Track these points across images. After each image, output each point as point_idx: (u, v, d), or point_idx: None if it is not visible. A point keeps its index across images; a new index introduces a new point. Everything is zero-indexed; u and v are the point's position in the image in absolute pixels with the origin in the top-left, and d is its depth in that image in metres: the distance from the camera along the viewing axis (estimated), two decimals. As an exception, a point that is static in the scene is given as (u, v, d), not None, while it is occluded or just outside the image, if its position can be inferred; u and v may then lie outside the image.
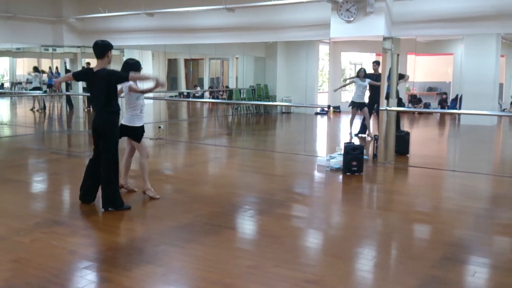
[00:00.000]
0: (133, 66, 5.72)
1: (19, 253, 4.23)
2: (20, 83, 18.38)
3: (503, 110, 16.37)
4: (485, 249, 4.61)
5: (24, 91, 17.25)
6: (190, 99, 19.23)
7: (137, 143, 5.94)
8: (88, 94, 13.16)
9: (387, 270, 4.13)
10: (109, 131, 5.41)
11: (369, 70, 11.85)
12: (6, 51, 16.20)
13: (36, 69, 16.60)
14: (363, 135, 11.66)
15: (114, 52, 5.57)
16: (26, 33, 11.79)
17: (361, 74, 11.43)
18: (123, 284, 3.67)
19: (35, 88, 16.40)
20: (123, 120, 5.90)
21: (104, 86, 5.29)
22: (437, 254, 4.33)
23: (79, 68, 13.07)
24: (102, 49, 5.33)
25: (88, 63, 13.39)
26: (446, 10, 8.01)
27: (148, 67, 17.24)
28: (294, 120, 17.18)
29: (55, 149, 10.54)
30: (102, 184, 5.43)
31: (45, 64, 15.75)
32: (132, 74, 5.42)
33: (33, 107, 17.32)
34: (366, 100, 11.62)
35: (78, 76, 5.87)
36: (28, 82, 17.95)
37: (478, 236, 4.95)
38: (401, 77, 11.19)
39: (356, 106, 11.58)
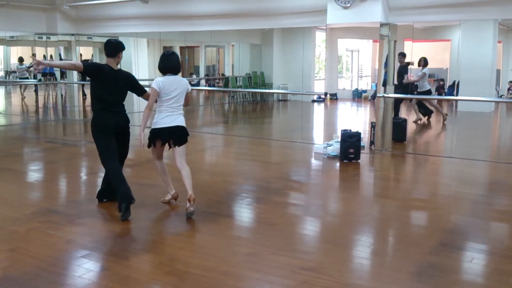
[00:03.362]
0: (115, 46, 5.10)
1: (16, 243, 4.22)
2: (15, 71, 18.28)
3: (500, 96, 16.36)
4: (482, 235, 4.61)
5: (18, 80, 17.17)
6: (186, 87, 19.09)
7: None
8: (83, 82, 13.16)
9: (384, 257, 4.13)
10: (128, 130, 5.34)
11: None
12: (0, 39, 16.06)
13: (20, 59, 16.68)
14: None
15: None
16: (20, 21, 11.66)
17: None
18: (120, 273, 3.66)
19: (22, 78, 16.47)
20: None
21: (128, 85, 5.21)
22: (434, 240, 4.33)
23: (73, 57, 12.98)
24: (114, 48, 5.08)
25: (81, 54, 13.26)
26: (443, -4, 7.95)
27: (143, 55, 17.13)
28: (290, 107, 17.13)
29: (51, 138, 10.48)
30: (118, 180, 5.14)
31: (39, 53, 15.62)
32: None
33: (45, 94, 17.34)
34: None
35: (89, 69, 5.15)
36: (13, 71, 17.98)
37: (475, 223, 4.95)
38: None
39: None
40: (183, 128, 5.21)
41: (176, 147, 5.18)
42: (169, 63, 5.18)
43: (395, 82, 10.45)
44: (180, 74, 5.45)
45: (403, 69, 11.47)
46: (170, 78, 5.12)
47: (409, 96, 11.77)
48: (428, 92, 11.77)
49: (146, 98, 5.24)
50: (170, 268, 3.77)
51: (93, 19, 11.91)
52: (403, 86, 11.35)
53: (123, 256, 3.98)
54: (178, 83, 5.14)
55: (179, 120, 5.16)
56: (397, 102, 11.56)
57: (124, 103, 5.26)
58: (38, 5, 11.84)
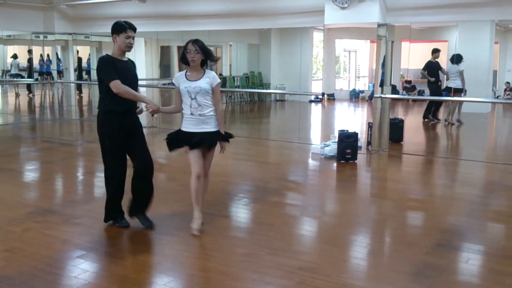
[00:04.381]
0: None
1: (12, 243, 4.20)
2: (9, 70, 18.28)
3: (497, 97, 16.40)
4: (478, 235, 4.62)
5: (15, 79, 17.13)
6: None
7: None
8: (80, 82, 13.11)
9: (381, 257, 4.14)
10: (99, 132, 4.45)
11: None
12: (-3, 38, 16.05)
13: (14, 56, 16.67)
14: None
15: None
16: (17, 20, 11.63)
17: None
18: (117, 273, 3.65)
19: (14, 75, 16.46)
20: None
21: (98, 73, 4.33)
22: (431, 240, 4.34)
23: (71, 56, 12.97)
24: (111, 30, 4.45)
25: (77, 51, 13.24)
26: (440, -4, 7.97)
27: (141, 54, 17.08)
28: (288, 107, 17.14)
29: (47, 137, 10.45)
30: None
31: (36, 52, 15.59)
32: (119, 86, 4.18)
33: (30, 93, 17.32)
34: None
35: None
36: (8, 70, 18.02)
37: (472, 223, 4.96)
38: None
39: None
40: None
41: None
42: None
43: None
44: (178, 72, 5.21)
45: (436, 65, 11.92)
46: None
47: (406, 96, 11.79)
48: (450, 89, 11.87)
49: (117, 91, 4.21)
50: (167, 268, 3.77)
51: (90, 18, 11.88)
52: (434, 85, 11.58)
53: (120, 256, 3.98)
54: None
55: None
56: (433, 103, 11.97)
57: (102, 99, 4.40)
58: (35, 4, 11.81)
